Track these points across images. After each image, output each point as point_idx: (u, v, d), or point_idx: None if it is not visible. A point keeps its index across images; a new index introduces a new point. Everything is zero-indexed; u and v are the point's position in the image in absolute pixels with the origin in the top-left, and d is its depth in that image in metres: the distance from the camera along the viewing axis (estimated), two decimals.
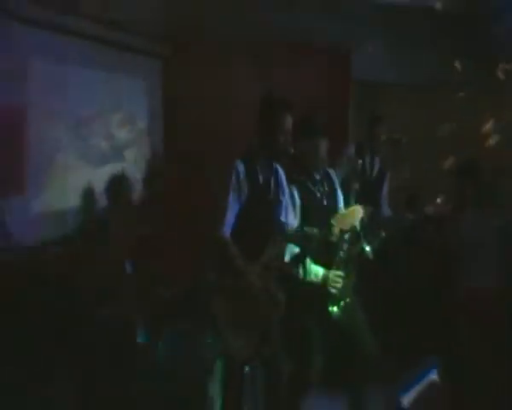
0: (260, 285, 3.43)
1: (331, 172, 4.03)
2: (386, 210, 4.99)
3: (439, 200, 4.35)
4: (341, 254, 3.79)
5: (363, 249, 3.83)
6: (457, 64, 5.79)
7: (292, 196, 3.76)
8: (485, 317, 4.36)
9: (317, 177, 3.88)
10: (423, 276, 5.02)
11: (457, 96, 5.93)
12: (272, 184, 3.61)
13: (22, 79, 3.98)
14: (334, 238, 3.61)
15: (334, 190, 3.95)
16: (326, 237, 3.58)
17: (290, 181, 3.74)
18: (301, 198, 3.75)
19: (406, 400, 3.07)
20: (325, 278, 3.70)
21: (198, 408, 3.85)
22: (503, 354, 4.31)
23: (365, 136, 5.00)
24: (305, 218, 3.73)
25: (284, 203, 3.65)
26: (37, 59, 4.12)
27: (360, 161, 4.62)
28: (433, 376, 3.16)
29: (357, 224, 3.66)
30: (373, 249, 3.83)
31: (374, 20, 5.59)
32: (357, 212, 3.61)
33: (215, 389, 3.88)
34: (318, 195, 3.84)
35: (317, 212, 3.75)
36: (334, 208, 3.85)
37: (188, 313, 4.24)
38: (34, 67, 4.10)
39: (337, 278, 3.72)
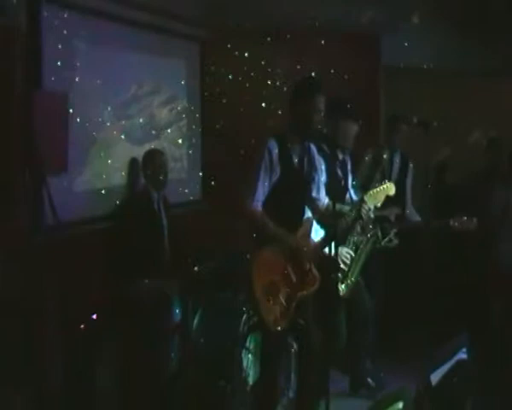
0: (299, 254, 3.53)
1: (350, 158, 4.29)
2: (412, 212, 4.88)
3: (465, 218, 4.39)
4: (355, 237, 4.12)
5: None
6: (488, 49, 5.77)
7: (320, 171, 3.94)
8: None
9: (340, 157, 4.21)
10: (454, 254, 5.06)
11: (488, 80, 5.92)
12: (305, 164, 3.68)
13: (67, 62, 4.08)
14: (364, 216, 3.75)
15: (348, 175, 4.22)
16: (355, 215, 3.72)
17: (319, 152, 3.89)
18: (326, 172, 3.93)
19: (435, 378, 3.14)
20: (338, 252, 3.85)
21: (231, 379, 3.94)
22: None
23: (384, 134, 5.00)
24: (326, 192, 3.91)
25: (317, 180, 3.75)
26: (82, 43, 4.21)
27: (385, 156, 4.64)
28: (462, 355, 3.21)
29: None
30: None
31: (403, 3, 5.59)
32: (390, 189, 3.74)
33: (248, 361, 4.01)
34: (337, 173, 4.13)
35: (335, 189, 3.97)
36: (345, 190, 4.08)
37: (222, 286, 4.33)
38: (79, 51, 4.20)
39: (347, 255, 4.06)
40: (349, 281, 4.15)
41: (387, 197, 4.18)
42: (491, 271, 4.70)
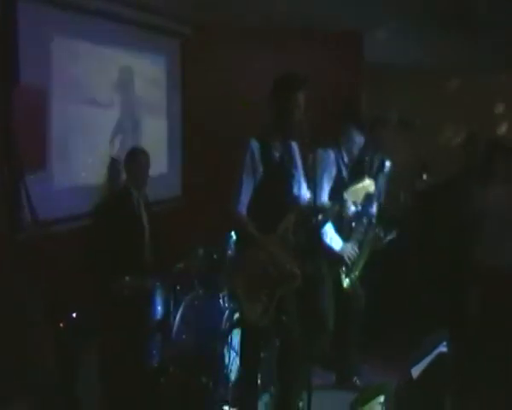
0: (279, 256, 3.55)
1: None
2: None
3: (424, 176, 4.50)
4: (359, 233, 4.29)
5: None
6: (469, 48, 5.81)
7: (331, 162, 4.19)
8: (500, 292, 4.50)
9: (346, 160, 4.35)
10: (438, 250, 5.11)
11: (471, 78, 5.97)
12: (286, 160, 3.68)
13: (44, 57, 4.04)
14: (346, 212, 4.03)
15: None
16: (339, 210, 3.88)
17: (329, 147, 4.15)
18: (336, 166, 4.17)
19: (416, 371, 3.17)
20: (343, 248, 4.22)
21: (213, 376, 3.94)
22: None
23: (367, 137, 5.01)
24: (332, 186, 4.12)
25: (297, 177, 3.76)
26: (59, 37, 4.16)
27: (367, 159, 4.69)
28: (443, 348, 3.24)
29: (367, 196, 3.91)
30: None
31: (387, 2, 5.60)
32: (369, 186, 3.81)
33: (230, 357, 4.02)
34: (344, 173, 4.30)
35: (339, 181, 4.14)
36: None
37: (203, 283, 4.33)
38: (57, 46, 4.14)
39: (353, 251, 4.25)
40: (353, 275, 4.35)
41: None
42: (469, 266, 4.77)
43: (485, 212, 4.71)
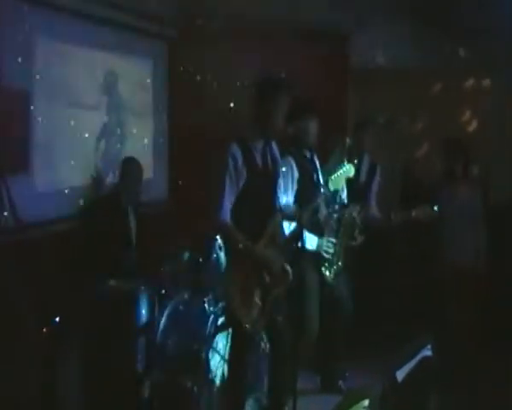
0: (268, 257, 3.53)
1: (315, 155, 4.36)
2: (374, 210, 4.94)
3: (427, 207, 4.52)
4: (332, 223, 4.29)
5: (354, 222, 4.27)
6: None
7: (291, 168, 4.12)
8: (473, 292, 4.56)
9: (307, 155, 4.31)
10: (415, 251, 5.14)
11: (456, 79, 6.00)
12: (269, 163, 3.65)
13: (27, 58, 4.00)
14: (320, 216, 4.10)
15: (318, 171, 4.30)
16: (314, 211, 3.87)
17: (288, 154, 4.09)
18: (298, 170, 4.14)
19: (400, 375, 3.16)
20: (319, 245, 4.22)
21: (198, 380, 3.92)
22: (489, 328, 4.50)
23: (353, 139, 4.89)
24: (300, 190, 4.11)
25: (280, 179, 3.80)
26: (44, 39, 4.14)
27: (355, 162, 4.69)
28: (427, 352, 3.25)
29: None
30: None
31: (373, 4, 5.62)
32: (349, 170, 3.73)
33: (215, 361, 4.00)
34: (309, 170, 4.23)
35: (310, 185, 4.11)
36: (318, 186, 4.14)
37: (189, 286, 4.32)
38: (40, 47, 4.12)
39: (329, 244, 4.24)
40: (335, 267, 4.35)
41: (354, 194, 4.43)
42: (448, 267, 4.81)
43: (452, 212, 4.77)
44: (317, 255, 4.26)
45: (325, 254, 4.26)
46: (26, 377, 3.68)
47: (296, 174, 4.18)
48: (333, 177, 3.69)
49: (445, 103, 6.03)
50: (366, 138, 4.94)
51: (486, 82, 6.00)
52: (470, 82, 6.06)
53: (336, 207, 4.33)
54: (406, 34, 5.96)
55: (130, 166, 4.41)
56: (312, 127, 4.28)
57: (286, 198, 4.08)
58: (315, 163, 4.36)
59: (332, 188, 3.64)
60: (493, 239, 4.87)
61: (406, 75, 5.99)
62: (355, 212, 4.38)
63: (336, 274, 4.36)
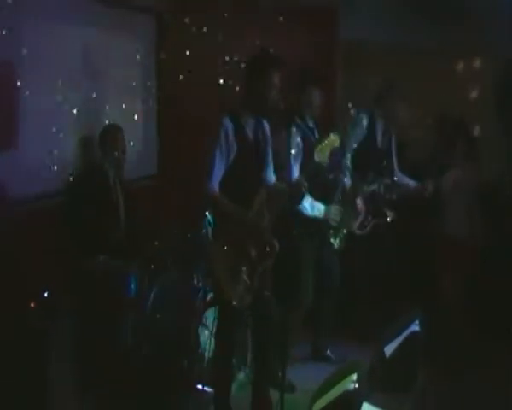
0: (255, 227, 3.55)
1: (316, 125, 4.39)
2: (401, 177, 4.92)
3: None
4: (339, 192, 4.35)
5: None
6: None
7: (294, 139, 4.15)
8: (462, 268, 4.60)
9: (311, 124, 4.33)
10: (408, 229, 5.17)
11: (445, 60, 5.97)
12: (260, 138, 3.70)
13: (13, 32, 3.91)
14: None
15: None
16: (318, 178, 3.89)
17: (292, 125, 4.15)
18: (302, 140, 4.16)
19: (388, 350, 3.19)
20: (327, 212, 4.23)
21: (188, 355, 3.95)
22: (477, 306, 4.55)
23: (373, 102, 4.88)
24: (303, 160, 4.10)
25: (270, 154, 3.80)
26: (30, 14, 4.04)
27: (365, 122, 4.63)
28: (415, 327, 3.27)
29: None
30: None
31: None
32: (335, 141, 3.68)
33: (205, 336, 4.01)
34: (312, 140, 4.24)
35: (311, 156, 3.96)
36: None
37: (178, 262, 4.31)
38: (26, 22, 4.02)
39: (336, 211, 4.26)
40: (341, 234, 4.41)
41: (378, 168, 4.49)
42: (440, 243, 4.85)
43: (448, 193, 4.79)
44: (317, 223, 4.27)
45: (332, 222, 4.29)
46: (14, 351, 3.68)
47: (300, 144, 4.20)
48: (318, 148, 3.68)
49: (436, 80, 6.01)
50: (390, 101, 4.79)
51: (478, 59, 5.98)
52: (461, 59, 6.04)
53: (340, 174, 4.37)
54: (394, 10, 5.93)
55: (109, 132, 4.38)
56: (316, 98, 4.28)
57: (292, 169, 4.09)
58: (315, 135, 4.36)
59: (317, 159, 3.61)
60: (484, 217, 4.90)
61: (395, 51, 5.97)
62: (382, 185, 4.41)
63: (342, 241, 4.40)
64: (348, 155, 4.47)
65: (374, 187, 4.59)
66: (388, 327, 3.17)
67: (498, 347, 4.64)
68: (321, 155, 3.62)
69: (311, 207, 4.22)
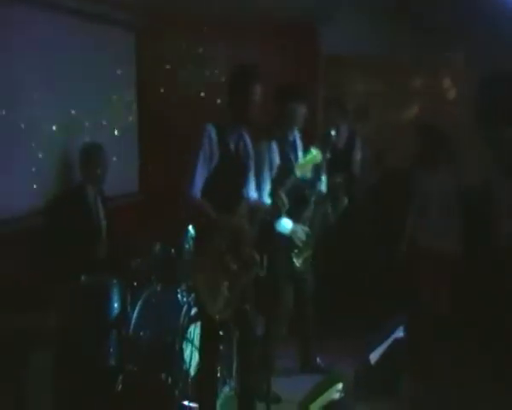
0: (237, 236, 3.53)
1: (299, 138, 4.38)
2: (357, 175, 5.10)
3: None
4: (308, 212, 4.25)
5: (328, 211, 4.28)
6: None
7: (272, 152, 4.12)
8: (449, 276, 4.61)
9: (292, 139, 4.32)
10: (388, 236, 5.18)
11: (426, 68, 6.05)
12: (241, 150, 3.70)
13: None
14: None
15: (298, 154, 4.29)
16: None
17: (271, 138, 4.13)
18: (279, 154, 4.14)
19: (373, 357, 3.20)
20: (294, 231, 4.16)
21: (173, 371, 3.90)
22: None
23: (329, 110, 5.07)
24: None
25: (250, 167, 3.78)
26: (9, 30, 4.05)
27: (333, 133, 4.68)
28: (399, 333, 3.28)
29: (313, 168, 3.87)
30: (336, 213, 4.31)
31: None
32: (316, 156, 3.67)
33: (189, 352, 3.97)
34: (292, 155, 4.24)
35: (288, 168, 3.95)
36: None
37: (161, 278, 4.29)
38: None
39: (302, 233, 4.19)
40: (305, 254, 4.32)
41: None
42: (424, 251, 4.86)
43: (431, 198, 4.82)
44: (287, 241, 4.23)
45: (297, 242, 4.23)
46: None
47: (277, 159, 4.16)
48: (299, 163, 3.69)
49: (417, 91, 6.08)
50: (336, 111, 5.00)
51: (458, 69, 6.05)
52: (442, 70, 6.11)
53: (313, 197, 4.32)
54: (375, 23, 5.99)
55: (89, 151, 4.35)
56: (299, 111, 4.25)
57: (263, 184, 4.04)
58: (296, 147, 4.36)
59: (298, 174, 3.62)
60: (466, 225, 4.92)
61: (377, 64, 6.03)
62: (339, 178, 4.40)
63: (305, 261, 4.34)
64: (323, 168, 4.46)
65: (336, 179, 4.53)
66: (372, 334, 3.17)
67: (482, 350, 4.65)
68: (302, 171, 3.63)
69: (280, 222, 4.16)
